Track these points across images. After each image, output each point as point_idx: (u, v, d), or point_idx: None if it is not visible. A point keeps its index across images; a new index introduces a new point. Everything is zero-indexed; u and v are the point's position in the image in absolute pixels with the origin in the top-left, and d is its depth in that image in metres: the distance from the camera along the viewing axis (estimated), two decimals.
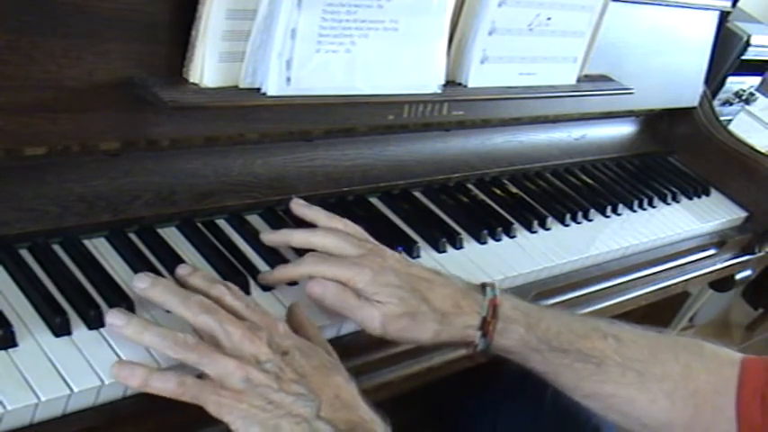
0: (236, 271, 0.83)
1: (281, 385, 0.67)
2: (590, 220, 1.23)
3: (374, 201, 1.06)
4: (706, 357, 0.87)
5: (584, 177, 1.35)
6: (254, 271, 0.84)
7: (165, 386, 0.65)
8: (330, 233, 0.84)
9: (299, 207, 0.90)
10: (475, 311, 0.82)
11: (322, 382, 0.69)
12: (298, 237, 0.86)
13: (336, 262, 0.81)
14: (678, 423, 0.84)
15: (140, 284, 0.73)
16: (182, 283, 0.76)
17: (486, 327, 0.82)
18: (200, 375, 0.68)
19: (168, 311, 0.73)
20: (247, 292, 0.81)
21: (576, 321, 0.88)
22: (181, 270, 0.77)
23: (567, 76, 1.20)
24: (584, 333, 0.85)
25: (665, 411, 0.84)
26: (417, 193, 1.11)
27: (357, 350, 0.85)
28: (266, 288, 0.83)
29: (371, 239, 0.86)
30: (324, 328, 0.82)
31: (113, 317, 0.69)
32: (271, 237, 0.87)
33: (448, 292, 0.83)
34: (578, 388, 0.86)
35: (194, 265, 0.80)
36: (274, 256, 0.87)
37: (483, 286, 0.85)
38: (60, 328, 0.69)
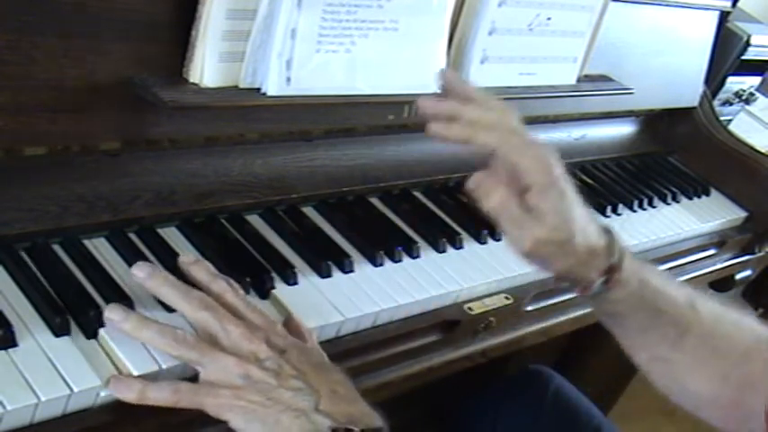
0: (236, 271, 0.83)
1: (279, 381, 0.67)
2: None
3: (374, 201, 1.06)
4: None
5: (584, 177, 1.35)
6: (254, 271, 0.84)
7: (160, 395, 0.66)
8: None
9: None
10: (604, 255, 0.79)
11: (320, 378, 0.70)
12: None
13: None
14: (723, 402, 0.84)
15: (139, 273, 0.72)
16: (184, 272, 0.76)
17: (611, 274, 0.79)
18: (194, 380, 0.68)
19: (169, 312, 0.73)
20: (247, 291, 0.81)
21: (672, 283, 0.86)
22: (184, 258, 0.77)
23: (567, 76, 1.20)
24: (678, 298, 0.84)
25: (716, 389, 0.84)
26: (417, 193, 1.11)
27: (357, 350, 0.85)
28: (264, 296, 0.83)
29: None
30: (323, 328, 0.82)
31: (111, 312, 0.69)
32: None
33: (594, 229, 0.79)
34: (654, 349, 0.84)
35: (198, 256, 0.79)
36: (275, 257, 0.87)
37: (608, 231, 0.82)
38: (60, 328, 0.69)
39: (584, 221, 0.78)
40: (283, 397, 0.66)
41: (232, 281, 0.76)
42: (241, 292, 0.75)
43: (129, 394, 0.66)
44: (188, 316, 0.70)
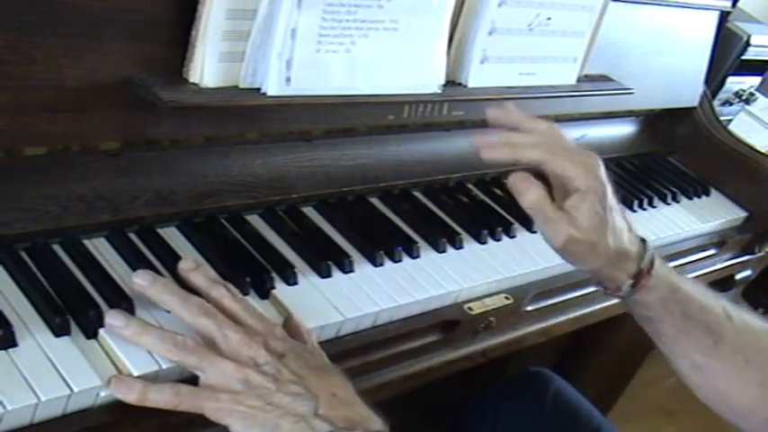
0: (236, 271, 0.83)
1: (278, 386, 0.68)
2: None
3: (374, 201, 1.06)
4: None
5: None
6: (253, 271, 0.84)
7: (161, 398, 0.67)
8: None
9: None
10: (634, 259, 0.86)
11: (319, 382, 0.70)
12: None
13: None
14: (761, 413, 0.86)
15: (141, 282, 0.73)
16: (183, 279, 0.76)
17: (639, 278, 0.86)
18: (193, 380, 0.68)
19: (168, 312, 0.73)
20: (247, 292, 0.82)
21: (707, 294, 0.90)
22: (184, 265, 0.77)
23: (567, 76, 1.20)
24: (712, 307, 0.88)
25: (753, 399, 0.86)
26: (417, 193, 1.11)
27: (357, 350, 0.85)
28: (264, 296, 0.83)
29: None
30: (323, 328, 0.82)
31: (112, 318, 0.69)
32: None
33: (627, 236, 0.86)
34: (690, 356, 0.88)
35: (197, 261, 0.80)
36: (275, 257, 0.87)
37: (642, 240, 0.88)
38: (60, 328, 0.69)
39: (618, 226, 0.84)
40: (282, 402, 0.67)
41: (231, 286, 0.76)
42: (240, 296, 0.76)
43: (130, 395, 0.66)
44: (187, 322, 0.71)
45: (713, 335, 0.87)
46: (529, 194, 0.81)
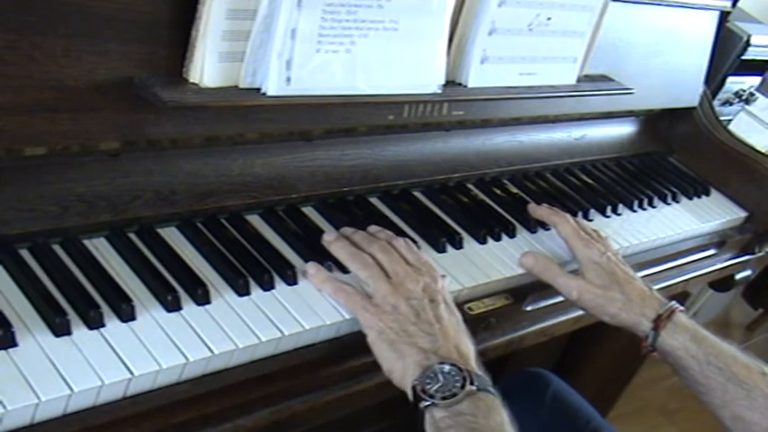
0: (236, 271, 0.83)
1: (417, 321, 0.80)
2: (590, 220, 1.22)
3: (374, 201, 1.06)
4: None
5: (585, 177, 1.35)
6: (254, 271, 0.84)
7: (330, 287, 0.84)
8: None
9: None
10: (654, 308, 0.98)
11: (451, 332, 0.81)
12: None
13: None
14: None
15: (327, 238, 0.90)
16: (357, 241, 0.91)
17: (658, 322, 0.97)
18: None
19: (168, 312, 0.73)
20: (248, 291, 0.82)
21: (738, 351, 0.97)
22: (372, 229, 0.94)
23: (567, 76, 1.20)
24: (743, 362, 0.94)
25: None
26: (417, 193, 1.11)
27: (357, 350, 0.85)
28: (266, 288, 0.83)
29: None
30: (322, 328, 0.82)
31: (311, 266, 0.87)
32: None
33: (641, 288, 1.00)
34: (726, 408, 0.93)
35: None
36: (275, 257, 0.87)
37: (671, 299, 1.01)
38: (60, 328, 0.69)
39: (628, 275, 1.01)
40: (414, 333, 0.79)
41: (408, 240, 0.92)
42: (415, 249, 0.91)
43: (316, 279, 0.85)
44: (368, 252, 0.87)
45: (744, 386, 0.92)
46: (538, 265, 1.02)
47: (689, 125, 1.56)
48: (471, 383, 0.75)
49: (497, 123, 1.22)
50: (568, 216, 1.10)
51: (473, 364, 0.79)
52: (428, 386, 0.75)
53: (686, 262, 1.34)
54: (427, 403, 0.74)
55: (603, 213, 1.26)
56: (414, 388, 0.75)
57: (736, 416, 0.92)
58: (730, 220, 1.45)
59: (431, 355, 0.77)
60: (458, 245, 1.03)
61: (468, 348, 0.81)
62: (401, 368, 0.78)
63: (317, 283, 0.85)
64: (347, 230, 0.93)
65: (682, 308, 0.99)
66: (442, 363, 0.76)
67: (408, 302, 0.82)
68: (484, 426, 0.73)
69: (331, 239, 0.90)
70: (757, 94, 1.85)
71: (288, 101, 0.87)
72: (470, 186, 1.18)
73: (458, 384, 0.74)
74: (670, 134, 1.57)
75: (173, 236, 0.86)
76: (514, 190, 1.21)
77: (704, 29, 1.49)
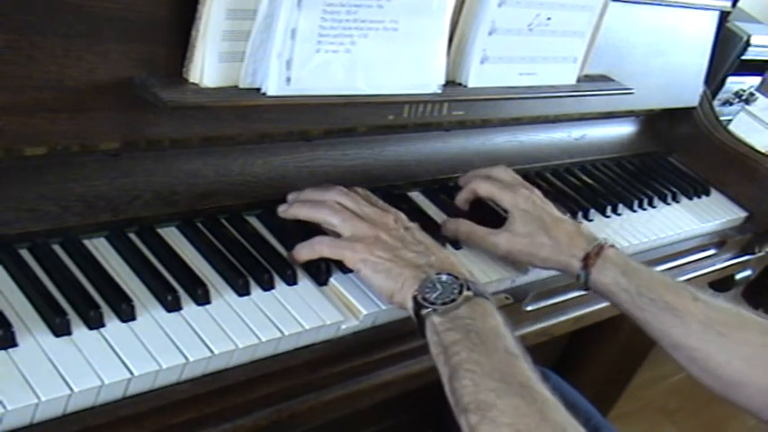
0: (236, 271, 0.83)
1: (404, 245, 0.84)
2: (590, 220, 1.23)
3: None
4: None
5: (584, 177, 1.35)
6: (254, 271, 0.84)
7: (309, 248, 0.86)
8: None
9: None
10: (582, 247, 0.97)
11: (437, 249, 0.86)
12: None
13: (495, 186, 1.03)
14: (753, 386, 0.90)
15: (281, 208, 0.91)
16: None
17: (587, 260, 0.96)
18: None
19: (168, 312, 0.73)
20: (248, 291, 0.82)
21: (670, 280, 0.97)
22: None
23: (567, 76, 1.20)
24: (675, 290, 0.94)
25: (740, 374, 0.90)
26: (417, 193, 1.11)
27: (357, 350, 0.85)
28: (266, 288, 0.83)
29: None
30: (322, 328, 0.82)
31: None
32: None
33: (569, 228, 1.00)
34: (665, 337, 0.94)
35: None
36: (275, 256, 0.87)
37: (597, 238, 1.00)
38: (60, 328, 0.69)
39: (559, 223, 0.99)
40: (407, 256, 0.83)
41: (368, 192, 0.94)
42: (375, 198, 0.93)
43: (301, 256, 0.86)
44: (329, 200, 0.88)
45: (678, 313, 0.92)
46: (462, 228, 1.01)
47: (689, 125, 1.56)
48: (468, 289, 0.79)
49: (497, 123, 1.22)
50: (477, 172, 1.08)
51: (466, 273, 0.83)
52: (428, 294, 0.79)
53: (686, 262, 1.34)
54: (428, 310, 0.78)
55: (603, 213, 1.26)
56: (414, 297, 0.80)
57: (675, 344, 0.93)
58: (730, 220, 1.45)
59: (426, 268, 0.82)
60: (458, 245, 1.03)
61: (458, 262, 0.86)
62: (401, 287, 0.81)
63: (305, 256, 0.86)
64: (293, 193, 0.93)
65: (611, 244, 0.98)
66: (438, 273, 0.80)
67: (389, 233, 0.85)
68: (480, 327, 0.76)
69: (285, 207, 0.91)
70: (757, 94, 1.85)
71: (288, 101, 0.87)
72: None
73: (456, 291, 0.78)
74: (670, 134, 1.57)
75: (173, 236, 0.86)
76: None
77: (704, 29, 1.50)
